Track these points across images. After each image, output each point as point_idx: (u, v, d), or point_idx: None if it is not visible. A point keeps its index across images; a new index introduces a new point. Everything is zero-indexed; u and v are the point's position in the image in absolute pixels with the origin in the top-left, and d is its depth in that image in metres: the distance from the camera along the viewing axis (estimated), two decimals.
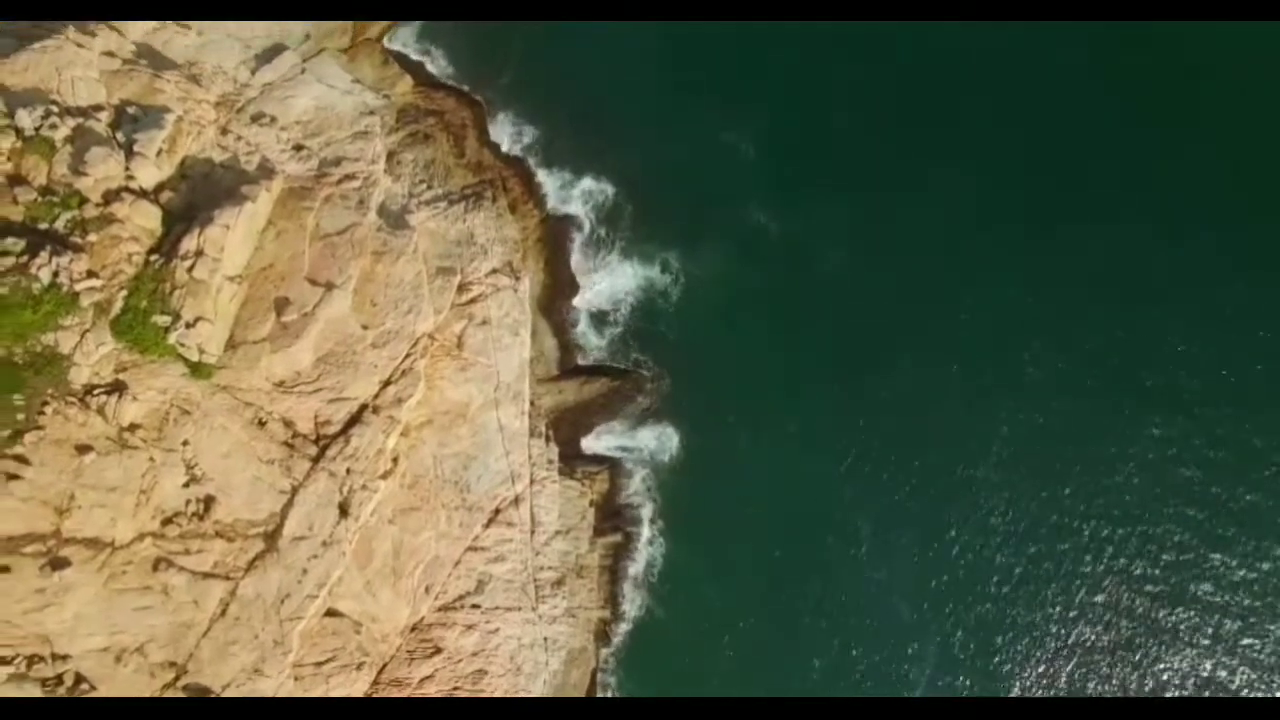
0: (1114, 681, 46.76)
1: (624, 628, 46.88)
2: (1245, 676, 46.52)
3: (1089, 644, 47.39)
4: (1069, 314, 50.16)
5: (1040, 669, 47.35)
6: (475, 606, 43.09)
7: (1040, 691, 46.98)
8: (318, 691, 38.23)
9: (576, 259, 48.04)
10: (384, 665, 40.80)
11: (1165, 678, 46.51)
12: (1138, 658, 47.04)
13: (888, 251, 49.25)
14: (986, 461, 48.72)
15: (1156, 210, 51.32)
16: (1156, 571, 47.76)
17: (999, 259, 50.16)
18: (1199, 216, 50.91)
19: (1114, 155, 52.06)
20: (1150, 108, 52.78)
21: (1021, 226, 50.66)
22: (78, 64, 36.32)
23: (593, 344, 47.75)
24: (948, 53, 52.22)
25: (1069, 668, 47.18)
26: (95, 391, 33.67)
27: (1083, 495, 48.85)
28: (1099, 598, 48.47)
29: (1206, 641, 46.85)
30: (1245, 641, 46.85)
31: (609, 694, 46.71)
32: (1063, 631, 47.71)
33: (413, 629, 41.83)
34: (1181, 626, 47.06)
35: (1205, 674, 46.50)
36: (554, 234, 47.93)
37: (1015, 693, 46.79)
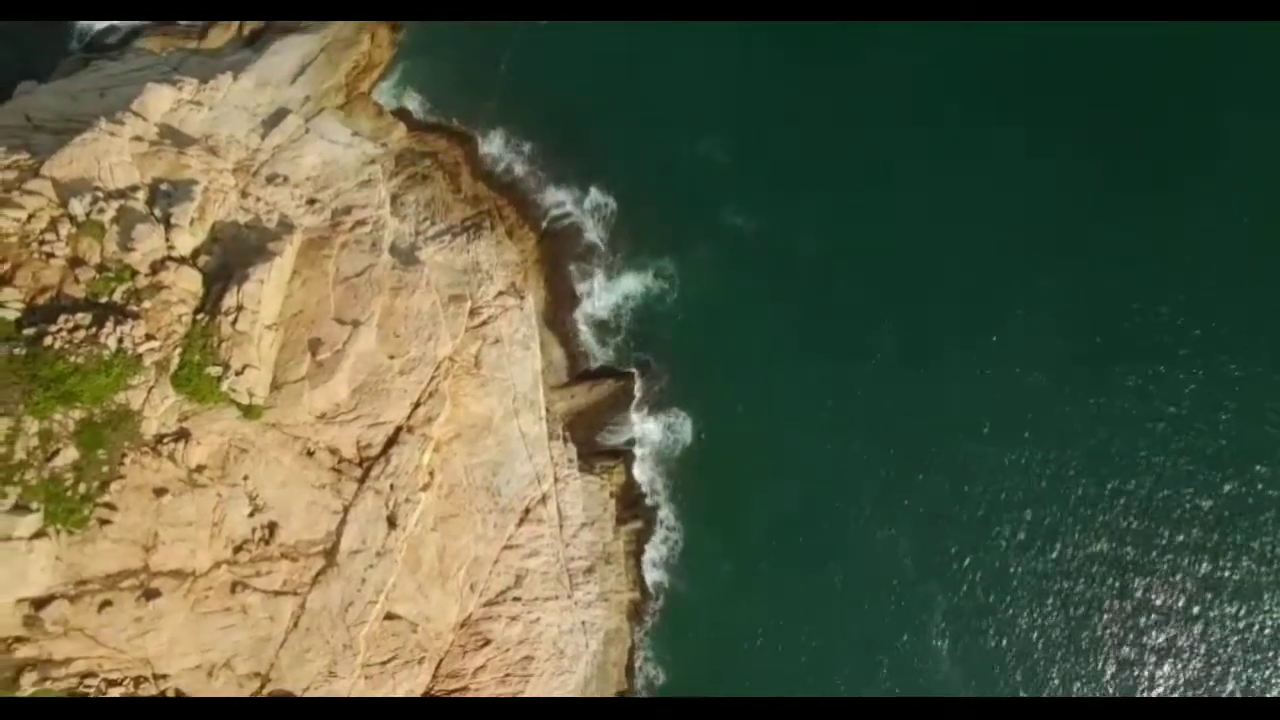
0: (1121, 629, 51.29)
1: (654, 606, 51.19)
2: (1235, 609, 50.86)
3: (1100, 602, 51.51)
4: (1038, 282, 54.37)
5: (1042, 624, 51.50)
6: (517, 599, 47.36)
7: (1045, 642, 51.29)
8: (385, 688, 42.50)
9: (573, 273, 52.30)
10: (440, 660, 45.14)
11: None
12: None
13: (861, 239, 53.52)
14: (979, 429, 52.79)
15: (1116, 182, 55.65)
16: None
17: (966, 241, 54.19)
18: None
19: (1075, 135, 55.91)
20: (1117, 90, 56.84)
21: (983, 207, 54.81)
22: (113, 151, 40.51)
23: (597, 350, 52.02)
24: (906, 52, 56.09)
25: (1076, 621, 51.47)
26: (164, 440, 37.88)
27: (1082, 457, 52.96)
28: (1099, 546, 53.00)
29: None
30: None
31: (646, 668, 51.03)
32: (1069, 587, 51.82)
33: (463, 625, 46.09)
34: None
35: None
36: (550, 252, 52.14)
37: (1016, 648, 50.94)
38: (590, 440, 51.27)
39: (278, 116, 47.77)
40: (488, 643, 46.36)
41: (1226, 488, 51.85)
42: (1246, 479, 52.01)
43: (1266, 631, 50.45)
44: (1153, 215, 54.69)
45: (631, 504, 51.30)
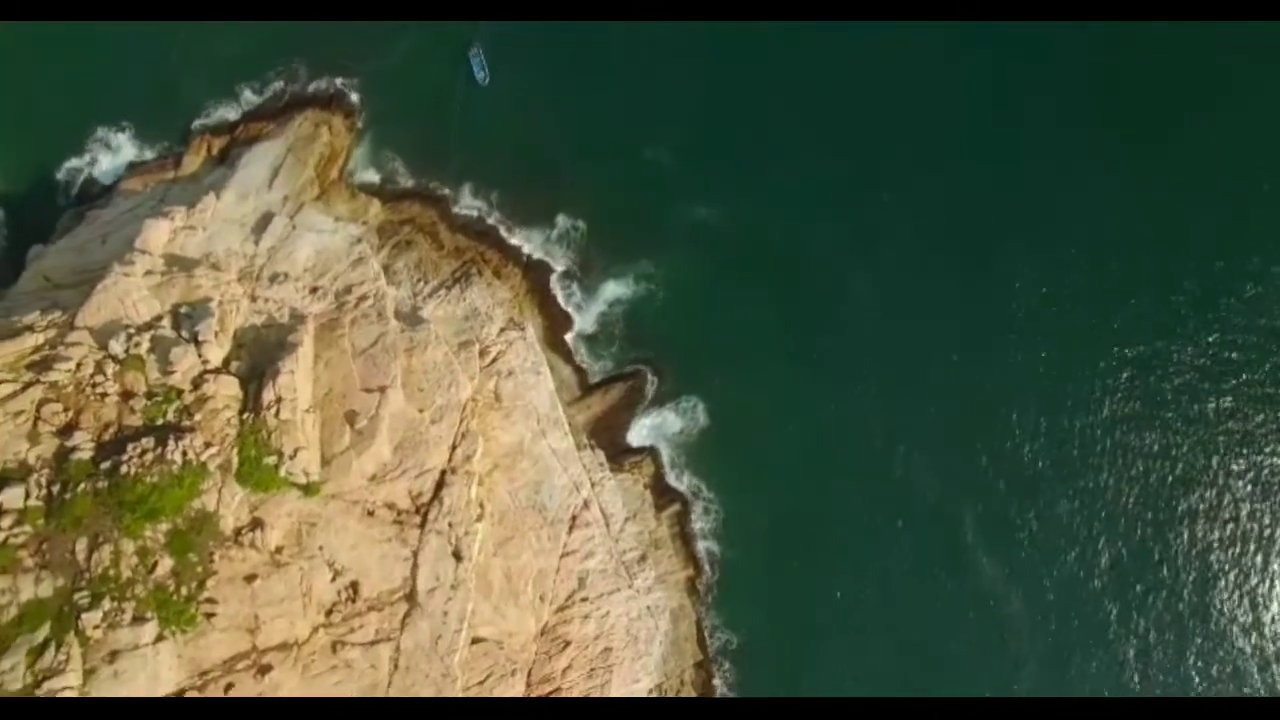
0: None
1: (708, 577, 55.53)
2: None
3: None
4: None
5: (1067, 523, 56.82)
6: (584, 599, 51.66)
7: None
8: None
9: (561, 297, 56.58)
10: (530, 669, 49.41)
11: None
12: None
13: (812, 216, 58.19)
14: (948, 360, 57.89)
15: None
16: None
17: (914, 193, 59.20)
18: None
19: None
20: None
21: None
22: (132, 290, 44.64)
23: (600, 360, 56.32)
24: (818, 52, 60.44)
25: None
26: (243, 531, 42.04)
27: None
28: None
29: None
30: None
31: (717, 635, 55.17)
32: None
33: (542, 633, 50.39)
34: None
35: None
36: (537, 282, 56.48)
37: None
38: (614, 442, 55.65)
39: (265, 221, 51.87)
40: (568, 644, 50.65)
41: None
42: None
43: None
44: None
45: (665, 490, 55.70)
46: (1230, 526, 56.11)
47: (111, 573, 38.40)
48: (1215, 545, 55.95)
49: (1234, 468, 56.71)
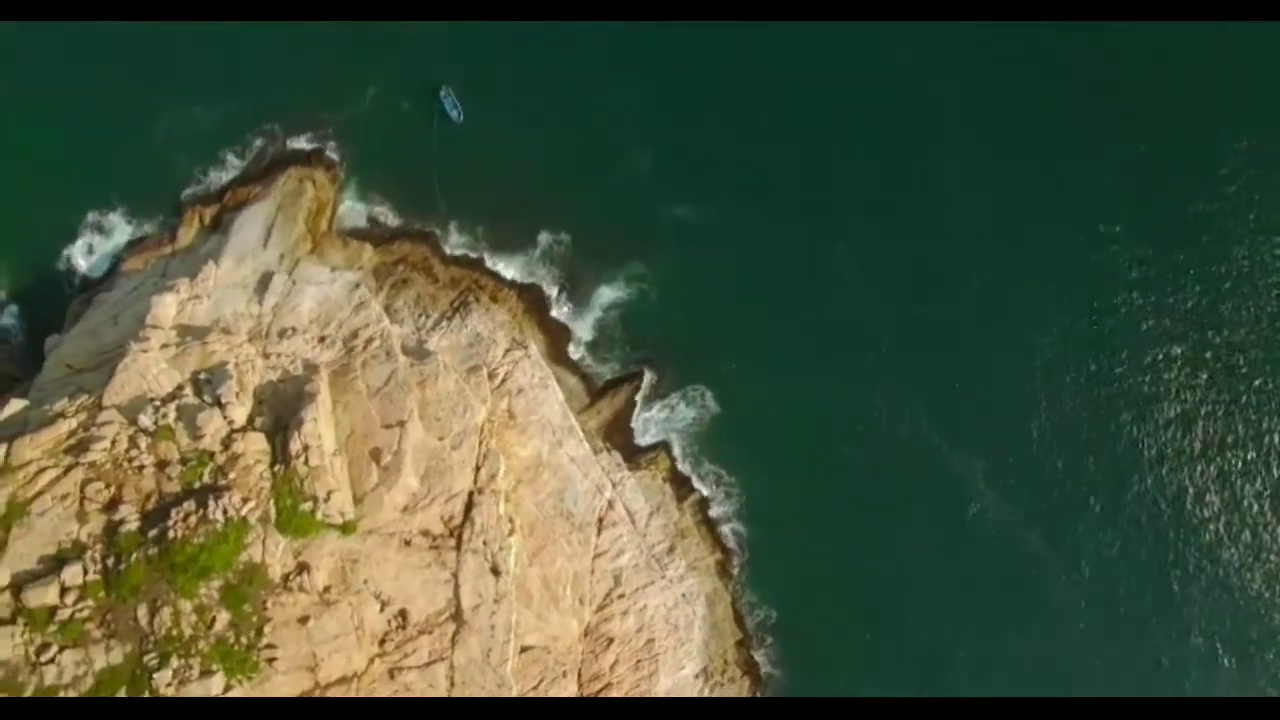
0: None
1: (738, 558, 57.66)
2: None
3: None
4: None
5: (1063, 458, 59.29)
6: (621, 596, 53.80)
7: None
8: None
9: (557, 310, 58.65)
10: (579, 668, 51.56)
11: None
12: None
13: (787, 201, 60.69)
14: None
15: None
16: None
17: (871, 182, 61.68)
18: None
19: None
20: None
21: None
22: (151, 365, 46.73)
23: (604, 365, 58.42)
24: (792, 53, 62.47)
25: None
26: (290, 577, 44.14)
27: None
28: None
29: None
30: None
31: (755, 613, 57.20)
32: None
33: (585, 634, 52.57)
34: None
35: None
36: (533, 301, 58.51)
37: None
38: (629, 442, 57.78)
39: (265, 281, 53.92)
40: (612, 640, 52.82)
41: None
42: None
43: None
44: None
45: (684, 480, 57.80)
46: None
47: (174, 632, 40.62)
48: None
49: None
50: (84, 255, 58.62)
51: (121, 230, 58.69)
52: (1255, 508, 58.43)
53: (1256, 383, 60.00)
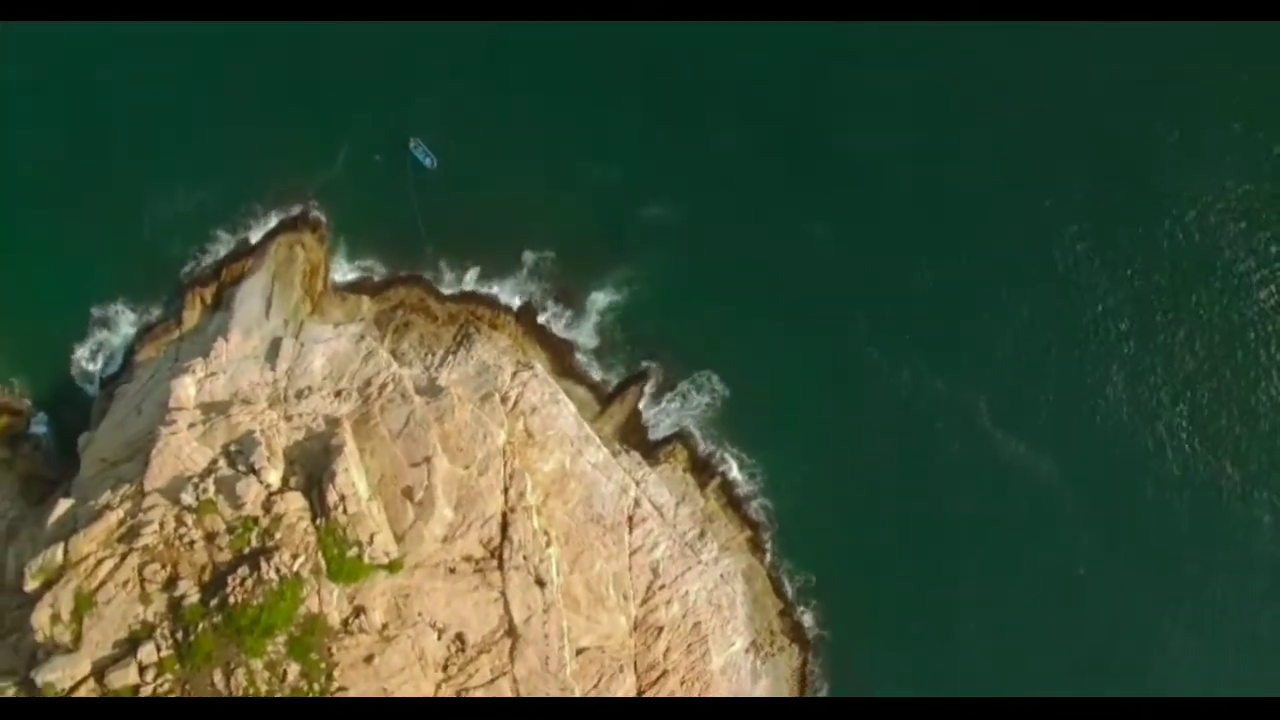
0: None
1: (767, 532, 59.82)
2: None
3: None
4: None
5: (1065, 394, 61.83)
6: (662, 586, 56.07)
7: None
8: None
9: (555, 328, 60.87)
10: (634, 661, 53.86)
11: None
12: None
13: (759, 186, 63.32)
14: (919, 275, 62.75)
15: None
16: None
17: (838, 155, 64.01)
18: None
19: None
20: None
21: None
22: (183, 445, 49.09)
23: (610, 369, 60.70)
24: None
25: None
26: (348, 621, 46.58)
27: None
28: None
29: None
30: None
31: (793, 581, 59.32)
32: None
33: (635, 628, 54.83)
34: None
35: None
36: (531, 321, 60.74)
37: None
38: (645, 440, 60.04)
39: (275, 348, 56.19)
40: (661, 629, 55.10)
41: None
42: None
43: None
44: None
45: (704, 467, 59.97)
46: None
47: (251, 690, 42.99)
48: None
49: None
50: (95, 352, 60.33)
51: (126, 320, 60.33)
52: None
53: None
